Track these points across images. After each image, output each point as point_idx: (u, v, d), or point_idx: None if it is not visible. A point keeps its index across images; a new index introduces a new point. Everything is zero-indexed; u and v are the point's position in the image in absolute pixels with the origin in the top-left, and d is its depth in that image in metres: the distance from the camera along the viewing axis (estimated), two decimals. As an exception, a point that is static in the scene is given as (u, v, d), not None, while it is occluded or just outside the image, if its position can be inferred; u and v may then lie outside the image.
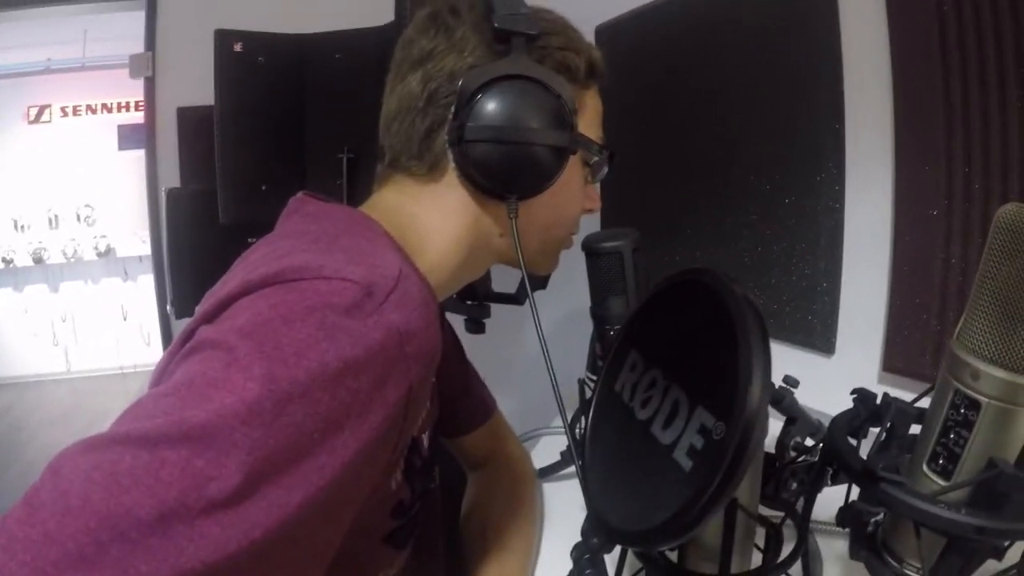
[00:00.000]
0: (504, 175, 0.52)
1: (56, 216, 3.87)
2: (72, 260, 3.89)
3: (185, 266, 1.90)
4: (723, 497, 0.35)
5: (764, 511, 0.51)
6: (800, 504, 0.52)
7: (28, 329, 3.94)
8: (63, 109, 3.85)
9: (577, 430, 0.73)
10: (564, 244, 0.65)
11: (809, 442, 0.54)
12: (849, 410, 0.52)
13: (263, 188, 1.66)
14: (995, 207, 0.40)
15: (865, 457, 0.45)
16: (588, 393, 0.53)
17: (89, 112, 3.87)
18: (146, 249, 3.09)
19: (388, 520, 0.55)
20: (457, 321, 0.78)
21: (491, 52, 0.53)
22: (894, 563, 0.47)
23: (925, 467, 0.43)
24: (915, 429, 0.47)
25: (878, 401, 0.50)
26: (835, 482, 0.51)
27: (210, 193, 1.70)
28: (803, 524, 0.51)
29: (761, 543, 0.52)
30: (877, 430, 0.49)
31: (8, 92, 3.74)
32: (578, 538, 0.49)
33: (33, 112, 3.83)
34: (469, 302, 0.75)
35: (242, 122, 1.65)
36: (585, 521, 0.49)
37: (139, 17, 2.19)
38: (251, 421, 0.33)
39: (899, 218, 0.87)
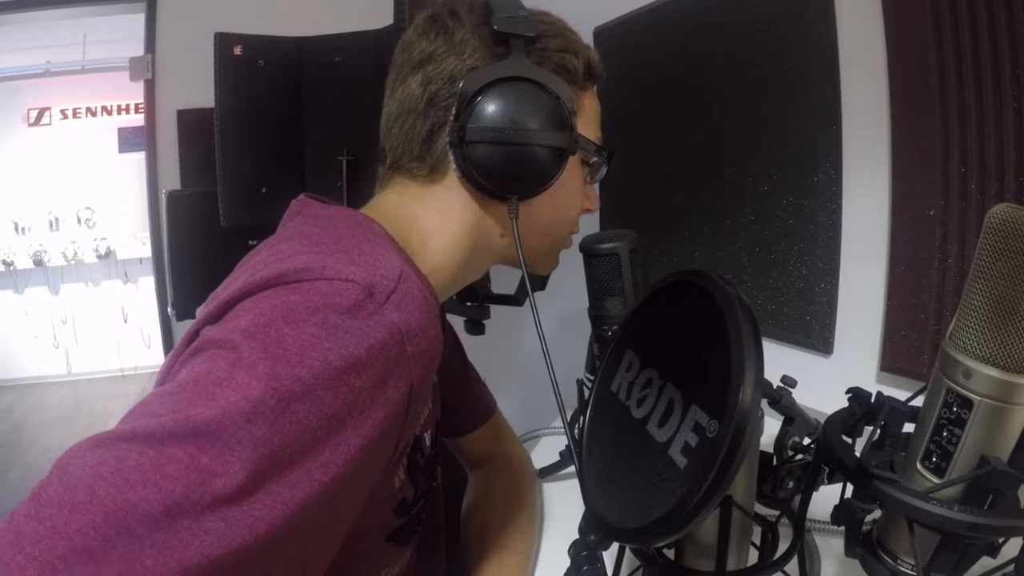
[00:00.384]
0: (505, 176, 0.53)
1: (56, 218, 3.88)
2: (72, 262, 3.89)
3: (186, 268, 1.91)
4: (717, 493, 0.35)
5: (764, 510, 0.52)
6: (796, 502, 0.52)
7: (29, 331, 3.94)
8: (63, 112, 3.86)
9: (576, 430, 0.73)
10: (564, 244, 0.65)
11: (806, 441, 0.54)
12: (844, 409, 0.52)
13: (263, 190, 1.67)
14: (992, 207, 0.40)
15: (859, 455, 0.46)
16: (586, 393, 0.54)
17: (89, 115, 3.88)
18: (146, 251, 3.11)
19: (392, 517, 0.55)
20: (457, 322, 0.79)
21: (490, 54, 0.53)
22: (889, 560, 0.47)
23: (918, 465, 0.44)
24: (909, 427, 0.47)
25: (872, 400, 0.51)
26: (831, 481, 0.52)
27: (210, 195, 1.71)
28: (799, 522, 0.51)
29: (759, 542, 0.53)
30: (872, 428, 0.50)
31: (8, 95, 3.74)
32: (577, 536, 0.49)
33: (33, 115, 3.84)
34: (469, 303, 0.75)
35: (242, 124, 1.65)
36: (583, 518, 0.49)
37: (139, 20, 2.20)
38: (255, 419, 0.33)
39: (896, 218, 0.88)
